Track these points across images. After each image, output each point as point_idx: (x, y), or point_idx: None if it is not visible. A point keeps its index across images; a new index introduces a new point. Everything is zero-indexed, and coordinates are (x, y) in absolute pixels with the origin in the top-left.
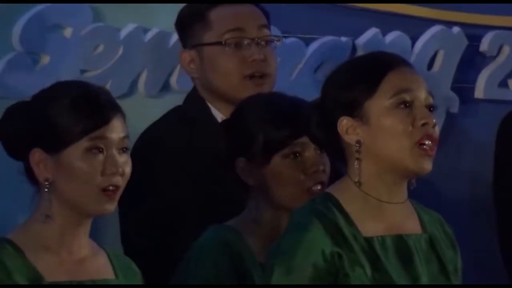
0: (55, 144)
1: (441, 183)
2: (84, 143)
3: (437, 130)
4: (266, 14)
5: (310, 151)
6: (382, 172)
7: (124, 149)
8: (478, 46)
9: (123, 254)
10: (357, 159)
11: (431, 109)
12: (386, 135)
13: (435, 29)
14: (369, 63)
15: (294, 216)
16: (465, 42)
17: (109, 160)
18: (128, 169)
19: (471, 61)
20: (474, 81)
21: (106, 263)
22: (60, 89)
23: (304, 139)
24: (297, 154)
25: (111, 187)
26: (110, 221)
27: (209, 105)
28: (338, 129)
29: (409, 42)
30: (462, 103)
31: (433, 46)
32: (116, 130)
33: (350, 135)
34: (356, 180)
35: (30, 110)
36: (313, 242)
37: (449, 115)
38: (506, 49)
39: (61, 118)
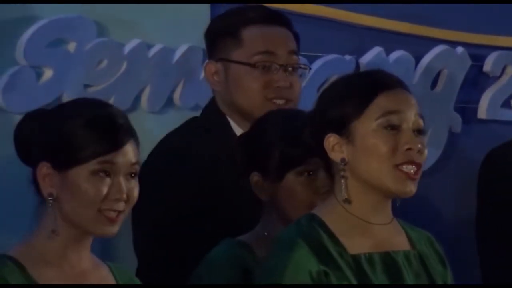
0: (64, 161)
1: (443, 203)
2: (92, 165)
3: (424, 154)
4: (297, 37)
5: (324, 171)
6: (366, 191)
7: (133, 175)
8: (481, 66)
9: (125, 267)
10: (343, 177)
11: (420, 132)
12: (368, 155)
13: (439, 48)
14: (362, 83)
15: (279, 237)
16: (468, 62)
17: (115, 186)
18: (135, 194)
19: (475, 81)
20: (477, 101)
21: (108, 275)
22: (80, 106)
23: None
24: (311, 173)
25: (111, 212)
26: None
27: (229, 119)
28: (325, 145)
29: (413, 61)
30: (465, 123)
31: (436, 66)
32: (127, 156)
33: (336, 153)
34: (344, 198)
35: (47, 122)
36: (299, 263)
37: (452, 135)
38: (509, 70)
39: (74, 137)
